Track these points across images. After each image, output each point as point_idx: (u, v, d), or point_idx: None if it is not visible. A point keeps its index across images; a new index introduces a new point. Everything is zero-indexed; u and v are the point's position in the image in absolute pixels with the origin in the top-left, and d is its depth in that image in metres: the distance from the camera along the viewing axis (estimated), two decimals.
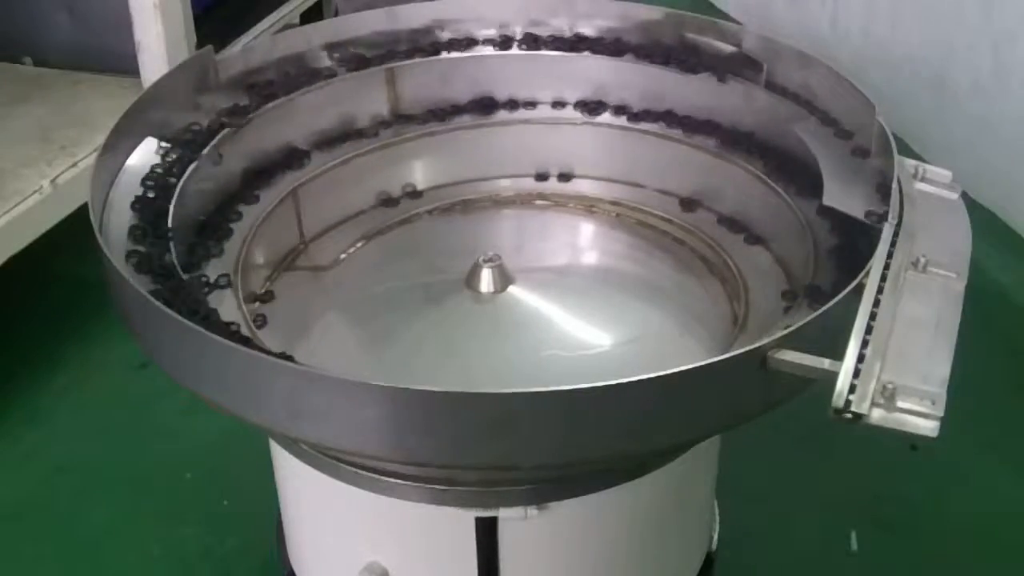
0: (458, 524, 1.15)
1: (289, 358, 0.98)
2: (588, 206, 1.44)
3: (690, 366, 0.92)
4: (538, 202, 1.46)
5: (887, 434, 0.90)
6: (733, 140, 1.37)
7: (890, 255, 1.04)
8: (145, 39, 2.15)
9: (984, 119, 2.40)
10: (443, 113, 1.46)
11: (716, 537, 1.45)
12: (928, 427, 0.89)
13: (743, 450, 1.47)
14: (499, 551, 1.18)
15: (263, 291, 1.26)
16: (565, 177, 1.46)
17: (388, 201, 1.42)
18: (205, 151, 1.27)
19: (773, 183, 1.30)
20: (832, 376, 0.91)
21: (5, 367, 2.03)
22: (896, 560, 1.68)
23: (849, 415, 0.89)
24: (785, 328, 0.96)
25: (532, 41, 1.47)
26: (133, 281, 1.03)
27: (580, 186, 1.46)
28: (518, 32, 1.48)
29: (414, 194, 1.44)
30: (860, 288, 0.99)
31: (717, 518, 1.46)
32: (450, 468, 1.06)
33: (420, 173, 1.45)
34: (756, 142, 1.35)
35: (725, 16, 2.95)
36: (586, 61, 1.45)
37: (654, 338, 1.27)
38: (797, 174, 1.28)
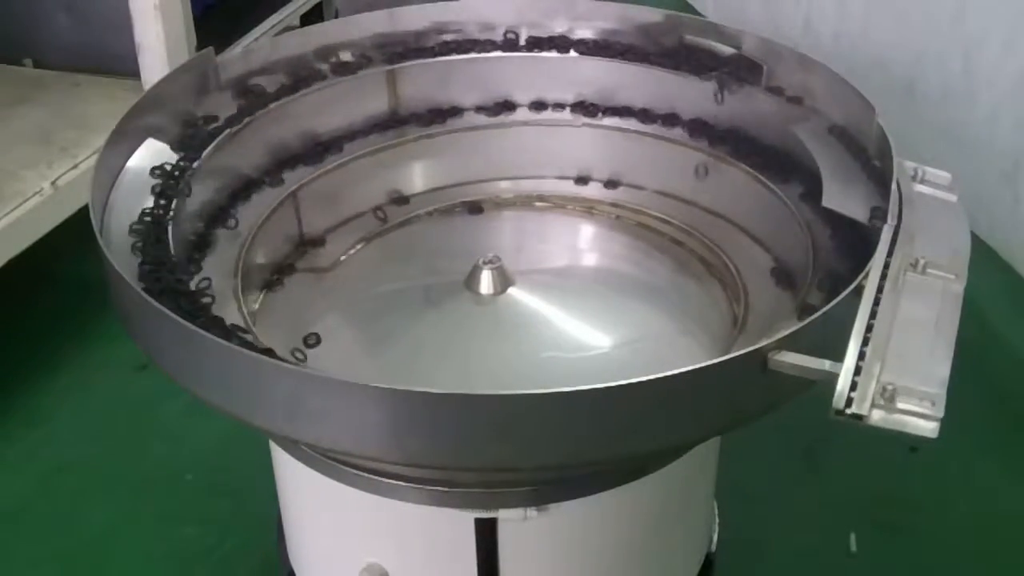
0: (458, 525, 1.15)
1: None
2: (588, 208, 1.44)
3: (690, 368, 0.92)
4: (537, 204, 1.46)
5: (887, 435, 0.90)
6: (732, 141, 1.37)
7: (889, 256, 1.04)
8: (145, 40, 2.15)
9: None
10: (443, 115, 1.46)
11: (716, 538, 1.45)
12: (928, 428, 0.89)
13: (743, 450, 1.47)
14: (499, 552, 1.18)
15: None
16: (564, 179, 1.46)
17: (388, 203, 1.43)
18: (205, 152, 1.27)
19: (773, 184, 1.30)
20: (832, 377, 0.91)
21: (5, 367, 2.03)
22: (896, 561, 1.68)
23: (850, 416, 0.89)
24: (785, 329, 0.96)
25: (532, 43, 1.47)
26: (133, 282, 1.03)
27: (580, 188, 1.46)
28: (518, 34, 1.48)
29: (413, 196, 1.44)
30: (860, 289, 1.00)
31: (717, 519, 1.46)
32: (450, 470, 1.06)
33: (420, 175, 1.45)
34: (755, 143, 1.35)
35: (703, 17, 2.96)
36: (586, 63, 1.46)
37: (654, 340, 1.28)
38: (796, 175, 1.28)
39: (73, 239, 1.69)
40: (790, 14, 2.96)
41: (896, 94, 2.52)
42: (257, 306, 1.26)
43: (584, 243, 1.44)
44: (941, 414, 0.89)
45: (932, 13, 2.42)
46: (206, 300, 1.12)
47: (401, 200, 1.43)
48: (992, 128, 2.29)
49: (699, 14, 3.14)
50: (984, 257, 2.30)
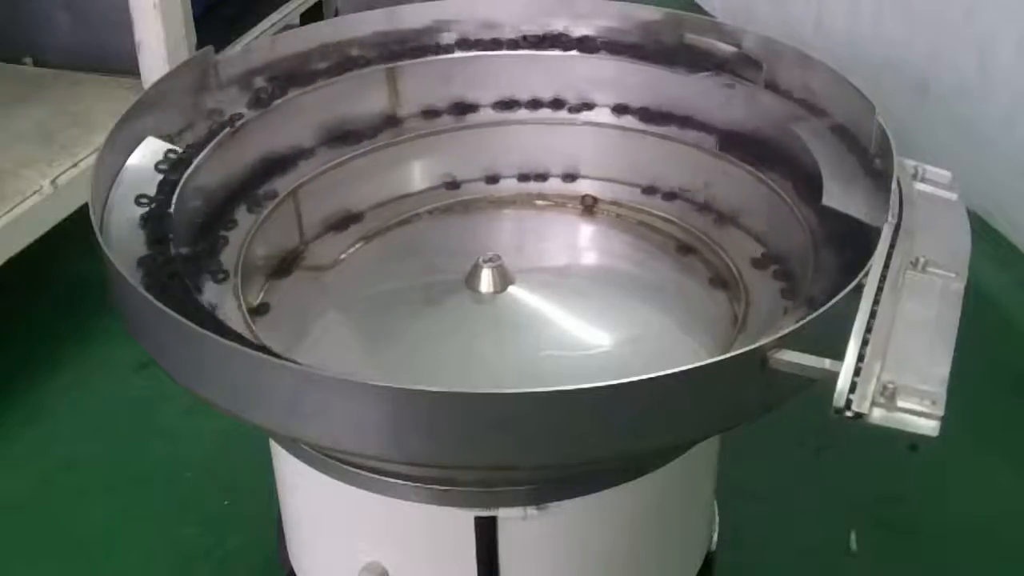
0: (458, 524, 1.15)
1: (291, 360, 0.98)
2: (588, 206, 1.44)
3: (690, 366, 0.92)
4: (538, 202, 1.46)
5: (887, 434, 0.90)
6: (733, 140, 1.37)
7: (889, 255, 1.04)
8: (145, 39, 2.15)
9: (968, 122, 2.40)
10: (443, 113, 1.46)
11: (716, 537, 1.45)
12: (928, 426, 0.89)
13: (743, 450, 1.47)
14: (499, 551, 1.18)
15: (259, 303, 1.26)
16: (565, 177, 1.46)
17: (388, 201, 1.42)
18: (205, 151, 1.27)
19: (772, 183, 1.30)
20: (832, 376, 0.91)
21: (5, 367, 2.03)
22: (896, 560, 1.68)
23: (850, 415, 0.89)
24: (785, 328, 0.96)
25: (532, 41, 1.47)
26: (133, 281, 1.03)
27: (580, 186, 1.46)
28: (518, 32, 1.48)
29: (414, 194, 1.44)
30: (860, 288, 1.00)
31: (717, 518, 1.46)
32: (450, 468, 1.06)
33: (420, 173, 1.45)
34: (756, 142, 1.35)
35: (711, 16, 2.94)
36: (586, 61, 1.46)
37: (654, 338, 1.27)
38: (796, 174, 1.28)
39: (73, 238, 1.68)
40: (800, 14, 2.96)
41: (910, 94, 2.52)
42: (257, 304, 1.26)
43: (584, 242, 1.44)
44: (941, 412, 0.89)
45: (943, 12, 2.42)
46: (206, 298, 1.12)
47: (402, 198, 1.43)
48: (1009, 127, 2.29)
49: (708, 15, 3.12)
50: (1002, 252, 2.32)
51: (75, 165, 2.00)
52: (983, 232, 2.36)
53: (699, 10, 3.33)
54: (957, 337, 0.98)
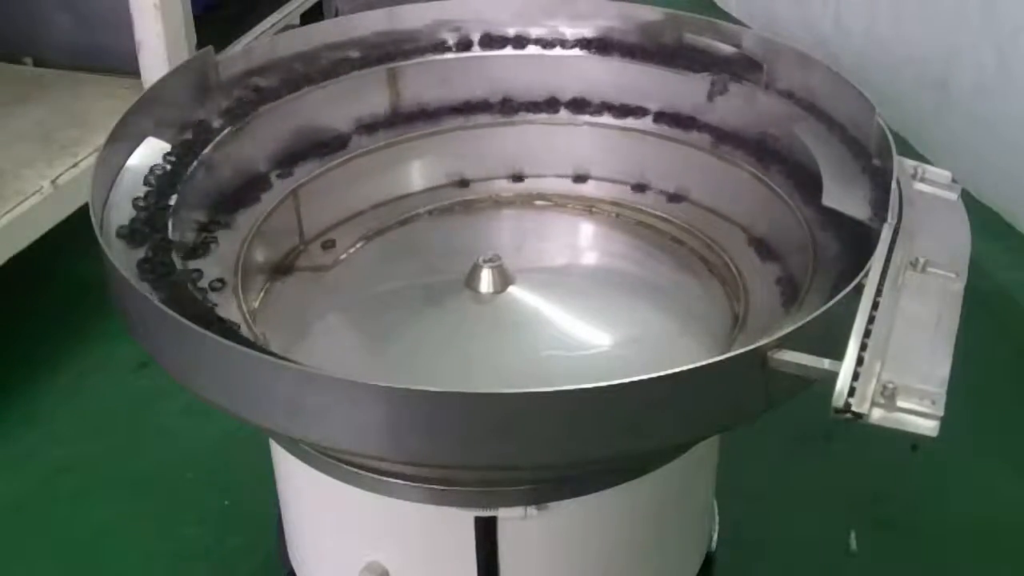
0: (458, 524, 1.16)
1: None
2: (588, 206, 1.44)
3: (690, 366, 0.92)
4: (538, 202, 1.46)
5: (887, 434, 0.90)
6: (733, 140, 1.37)
7: (889, 255, 1.04)
8: (145, 39, 2.15)
9: (987, 119, 2.40)
10: (443, 113, 1.46)
11: (716, 537, 1.45)
12: (928, 427, 0.89)
13: (743, 450, 1.47)
14: (499, 551, 1.18)
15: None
16: (565, 177, 1.46)
17: (388, 201, 1.43)
18: (205, 151, 1.27)
19: (772, 183, 1.30)
20: (832, 376, 0.91)
21: (5, 367, 2.03)
22: (896, 560, 1.68)
23: (849, 415, 0.89)
24: (785, 328, 0.96)
25: (532, 42, 1.47)
26: (133, 281, 1.03)
27: (580, 186, 1.46)
28: (519, 33, 1.48)
29: (414, 194, 1.44)
30: (860, 288, 1.00)
31: (717, 518, 1.46)
32: (450, 468, 1.06)
33: (420, 173, 1.45)
34: (756, 142, 1.35)
35: (728, 16, 2.94)
36: (586, 61, 1.46)
37: (654, 338, 1.28)
38: (796, 174, 1.28)
39: (73, 238, 1.68)
40: (819, 12, 2.96)
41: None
42: (257, 304, 1.26)
43: (584, 242, 1.44)
44: (941, 413, 0.89)
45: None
46: (206, 299, 1.12)
47: (401, 198, 1.43)
48: None
49: (725, 13, 3.10)
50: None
51: (75, 165, 1.99)
52: (1002, 230, 2.36)
53: (718, 11, 3.30)
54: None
